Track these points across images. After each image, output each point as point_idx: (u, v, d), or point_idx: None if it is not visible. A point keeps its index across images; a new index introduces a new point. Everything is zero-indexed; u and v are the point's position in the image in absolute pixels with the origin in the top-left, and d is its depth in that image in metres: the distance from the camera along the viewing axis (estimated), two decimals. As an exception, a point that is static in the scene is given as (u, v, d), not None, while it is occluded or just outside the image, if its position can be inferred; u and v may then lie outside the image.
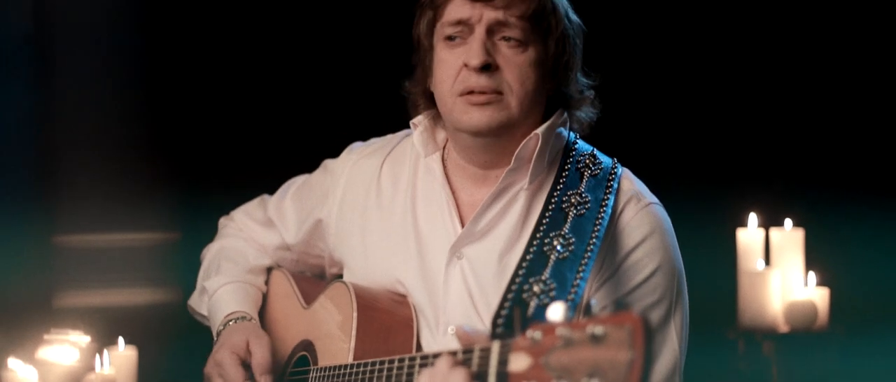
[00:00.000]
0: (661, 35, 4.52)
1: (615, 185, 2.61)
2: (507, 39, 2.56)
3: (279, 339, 2.85)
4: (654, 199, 2.65)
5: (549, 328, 1.90)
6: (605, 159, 2.67)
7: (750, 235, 4.23)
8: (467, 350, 2.12)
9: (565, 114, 2.66)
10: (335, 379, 2.62)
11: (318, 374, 2.69)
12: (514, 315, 2.06)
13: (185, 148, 4.31)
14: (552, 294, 2.26)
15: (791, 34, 4.57)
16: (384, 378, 2.45)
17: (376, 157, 2.82)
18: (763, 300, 4.16)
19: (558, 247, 2.40)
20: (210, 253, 3.00)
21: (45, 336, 3.03)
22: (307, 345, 2.76)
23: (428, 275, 2.66)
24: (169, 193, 4.25)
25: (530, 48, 2.57)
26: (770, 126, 4.59)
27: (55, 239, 4.23)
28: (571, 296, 2.28)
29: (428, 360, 2.35)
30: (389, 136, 2.86)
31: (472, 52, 2.54)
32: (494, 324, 2.11)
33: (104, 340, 3.61)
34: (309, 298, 2.82)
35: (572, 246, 2.41)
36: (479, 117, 2.56)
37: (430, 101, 2.67)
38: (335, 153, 2.92)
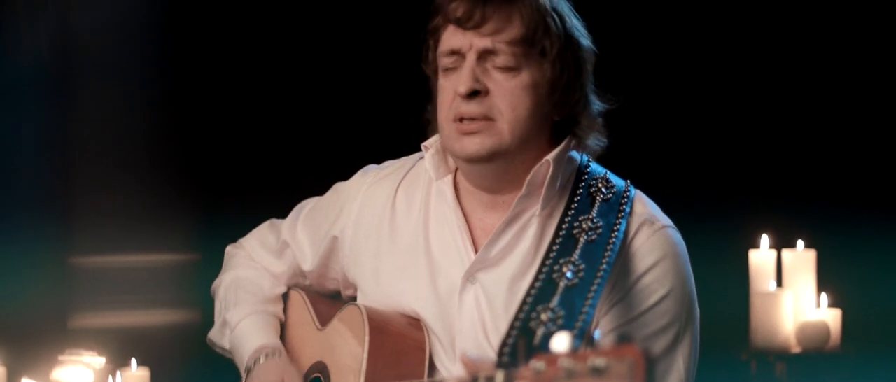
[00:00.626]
0: (672, 56, 4.53)
1: (628, 209, 2.59)
2: (498, 66, 2.55)
3: (295, 360, 2.85)
4: (669, 223, 2.63)
5: (553, 359, 1.90)
6: (617, 182, 2.65)
7: (762, 256, 4.23)
8: (474, 379, 2.12)
9: (577, 139, 2.64)
10: None
11: None
12: (520, 344, 2.06)
13: (199, 169, 4.33)
14: (560, 322, 2.23)
15: (802, 57, 4.57)
16: None
17: (391, 182, 2.80)
18: (775, 320, 4.16)
19: (568, 274, 2.38)
20: (223, 284, 2.96)
21: (60, 357, 3.04)
22: (321, 367, 2.76)
23: (441, 300, 2.65)
24: (184, 215, 4.26)
25: (523, 72, 2.55)
26: (782, 147, 4.59)
27: (70, 259, 4.24)
28: (579, 324, 2.25)
29: None
30: (404, 159, 2.85)
31: (461, 79, 2.54)
32: (500, 353, 2.10)
33: (117, 361, 3.62)
34: (324, 319, 2.82)
35: (582, 273, 2.38)
36: (469, 144, 2.55)
37: None
38: (351, 174, 2.91)
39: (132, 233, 4.25)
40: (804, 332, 4.16)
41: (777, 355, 4.16)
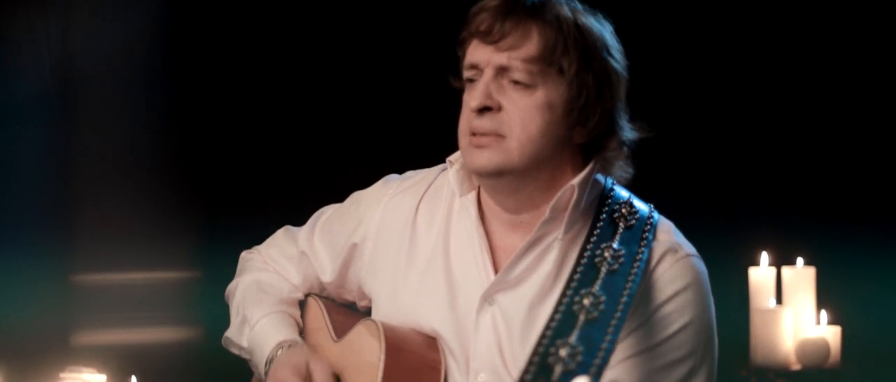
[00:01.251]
0: (673, 74, 4.54)
1: (650, 237, 2.54)
2: (513, 82, 2.52)
3: None
4: (693, 251, 2.60)
5: None
6: (641, 207, 2.61)
7: (761, 273, 4.24)
8: None
9: (602, 164, 2.60)
10: None
11: None
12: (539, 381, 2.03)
13: (201, 187, 4.33)
14: (578, 358, 2.17)
15: (803, 75, 4.58)
16: None
17: (413, 195, 2.76)
18: (775, 338, 4.17)
19: (588, 307, 2.32)
20: (241, 286, 2.93)
21: (61, 374, 3.04)
22: (336, 380, 2.75)
23: (458, 319, 2.63)
24: (186, 232, 4.27)
25: (538, 91, 2.52)
26: (781, 164, 4.60)
27: (72, 277, 4.25)
28: (598, 361, 2.19)
29: None
30: (426, 171, 2.81)
31: (474, 93, 2.53)
32: None
33: (118, 378, 3.62)
34: (339, 330, 2.79)
35: (602, 306, 2.32)
36: (478, 158, 2.53)
37: None
38: (352, 191, 2.90)
39: (134, 251, 4.25)
40: (804, 349, 4.16)
41: (777, 372, 4.16)
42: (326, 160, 4.32)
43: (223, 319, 2.99)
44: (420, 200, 2.75)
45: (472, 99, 2.53)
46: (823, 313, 4.23)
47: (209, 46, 4.34)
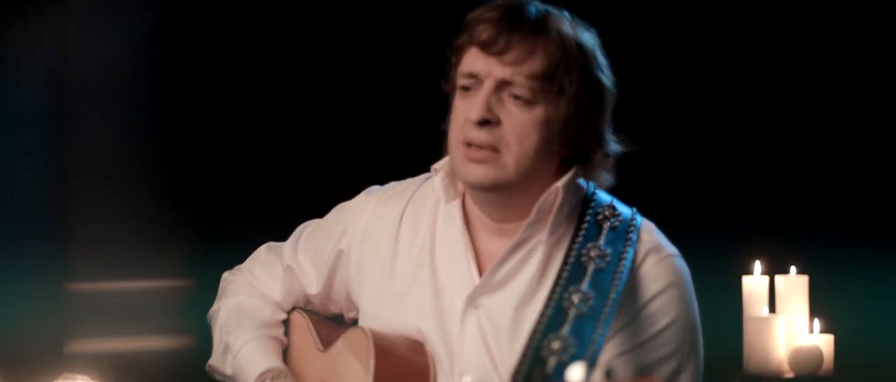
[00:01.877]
0: (663, 83, 4.55)
1: (635, 237, 2.58)
2: (514, 96, 2.53)
3: None
4: (675, 251, 2.64)
5: None
6: (624, 210, 2.65)
7: (755, 282, 4.24)
8: None
9: (583, 170, 2.64)
10: None
11: None
12: (533, 374, 2.06)
13: (196, 196, 4.33)
14: (571, 351, 2.21)
15: (795, 83, 4.59)
16: None
17: (397, 203, 2.79)
18: (768, 346, 4.17)
19: (577, 303, 2.35)
20: (223, 310, 2.93)
21: (56, 382, 3.04)
22: None
23: (444, 324, 2.65)
24: (181, 241, 4.27)
25: (538, 107, 2.54)
26: (775, 173, 4.61)
27: (68, 285, 4.25)
28: (590, 354, 2.23)
29: None
30: (409, 181, 2.83)
31: (475, 106, 2.53)
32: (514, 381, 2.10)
33: (114, 386, 3.62)
34: (327, 342, 2.81)
35: (591, 302, 2.36)
36: (473, 172, 2.55)
37: None
38: (345, 199, 2.90)
39: (128, 259, 4.25)
40: (797, 357, 4.17)
41: (770, 380, 4.17)
42: (319, 169, 4.32)
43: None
44: (404, 208, 2.77)
45: (472, 110, 2.54)
46: (816, 321, 4.24)
47: (204, 56, 4.35)
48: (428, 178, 2.78)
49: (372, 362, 2.60)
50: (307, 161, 4.38)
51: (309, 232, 2.92)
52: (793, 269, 4.26)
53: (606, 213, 2.62)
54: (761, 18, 4.59)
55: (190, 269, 4.27)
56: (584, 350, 2.22)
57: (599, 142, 2.63)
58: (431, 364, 2.65)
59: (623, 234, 2.57)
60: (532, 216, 2.58)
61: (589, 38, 2.61)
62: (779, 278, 4.25)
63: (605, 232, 2.57)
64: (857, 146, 4.57)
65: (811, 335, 4.22)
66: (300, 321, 2.92)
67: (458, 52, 2.61)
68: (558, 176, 2.60)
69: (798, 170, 4.60)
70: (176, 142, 4.34)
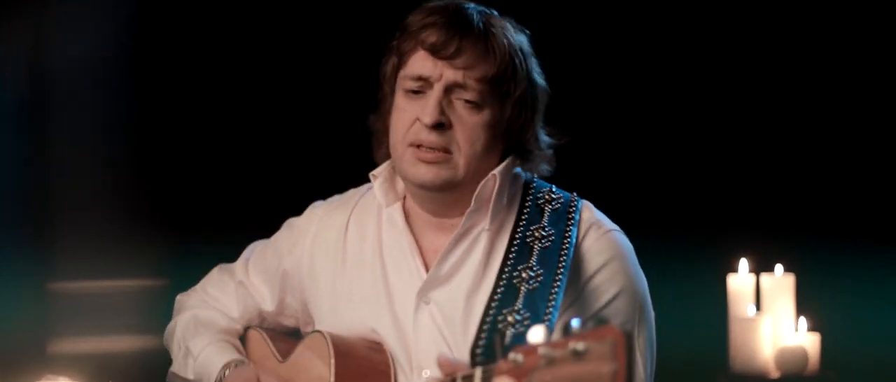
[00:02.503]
0: (648, 82, 4.55)
1: (576, 216, 2.65)
2: (464, 100, 2.59)
3: None
4: (615, 227, 2.69)
5: (531, 349, 1.94)
6: (564, 193, 2.71)
7: (741, 281, 4.24)
8: (452, 380, 2.16)
9: (521, 158, 2.70)
10: None
11: None
12: (495, 341, 2.08)
13: (178, 195, 4.32)
14: (527, 323, 2.32)
15: (780, 81, 4.59)
16: None
17: (342, 212, 2.85)
18: (754, 345, 4.17)
19: (527, 279, 2.45)
20: (179, 324, 2.98)
21: (39, 382, 3.03)
22: None
23: (398, 323, 2.69)
24: (164, 240, 4.26)
25: (485, 110, 2.60)
26: (760, 172, 4.61)
27: (49, 285, 4.23)
28: (546, 324, 2.27)
29: None
30: (351, 191, 2.90)
31: (427, 109, 2.58)
32: (473, 354, 2.16)
33: (97, 385, 3.60)
34: (285, 353, 2.84)
35: (541, 278, 2.46)
36: (424, 173, 2.60)
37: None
38: (319, 198, 2.94)
39: (111, 260, 4.24)
40: (783, 357, 4.17)
41: (756, 380, 4.17)
42: (293, 174, 4.31)
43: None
44: (349, 216, 2.84)
45: (424, 114, 2.59)
46: (802, 320, 4.24)
47: (186, 55, 4.33)
48: (371, 188, 2.82)
49: (332, 362, 2.63)
50: (279, 166, 4.36)
51: (259, 250, 2.98)
52: (779, 268, 4.26)
53: (547, 197, 2.70)
54: (748, 19, 4.59)
55: (171, 268, 4.25)
56: (539, 322, 2.32)
57: (537, 137, 2.70)
58: (391, 361, 2.69)
59: (564, 214, 2.65)
60: (472, 204, 2.64)
61: (526, 41, 2.69)
62: (765, 277, 4.25)
63: (547, 213, 2.65)
64: (843, 145, 4.57)
65: (797, 334, 4.22)
66: (257, 336, 2.95)
67: (402, 55, 2.65)
68: (497, 164, 2.66)
69: (784, 168, 4.60)
70: (159, 143, 4.32)
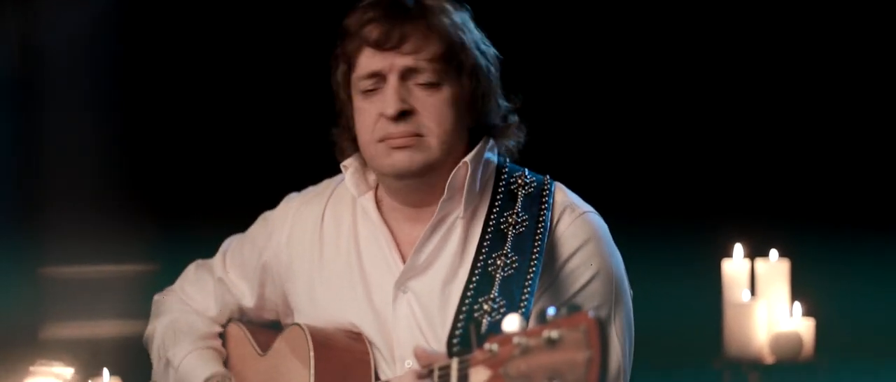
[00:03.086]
0: (643, 68, 4.54)
1: (550, 200, 2.65)
2: (421, 84, 2.60)
3: None
4: (589, 208, 2.69)
5: (506, 339, 1.95)
6: (537, 177, 2.71)
7: (735, 266, 4.24)
8: (429, 371, 2.16)
9: (492, 141, 2.70)
10: None
11: None
12: (470, 331, 2.09)
13: (171, 180, 4.31)
14: (502, 310, 2.33)
15: (774, 67, 4.59)
16: None
17: (317, 204, 2.84)
18: (749, 331, 4.17)
19: (502, 266, 2.47)
20: (158, 330, 2.97)
21: (31, 368, 3.02)
22: None
23: (377, 313, 2.69)
24: (156, 225, 4.25)
25: (444, 87, 2.61)
26: (755, 157, 4.60)
27: (41, 270, 4.23)
28: (521, 311, 2.35)
29: None
30: (326, 182, 2.88)
31: (387, 101, 2.58)
32: (450, 344, 2.16)
33: (89, 371, 3.60)
34: (265, 346, 2.83)
35: (516, 264, 2.48)
36: (400, 159, 2.60)
37: (357, 147, 2.71)
38: (306, 185, 2.93)
39: (103, 245, 4.23)
40: (777, 342, 4.17)
41: (750, 365, 4.17)
42: (280, 159, 4.30)
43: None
44: (325, 207, 2.83)
45: (386, 106, 2.59)
46: (797, 306, 4.24)
47: (176, 43, 4.32)
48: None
49: (311, 355, 2.63)
50: (266, 151, 4.35)
51: (235, 245, 2.96)
52: (774, 253, 4.26)
53: (520, 181, 2.70)
54: (740, 6, 4.58)
55: (163, 254, 4.25)
56: (515, 308, 2.36)
57: (497, 106, 2.70)
58: (370, 351, 2.69)
59: (538, 198, 2.65)
60: (445, 193, 2.63)
61: (467, 15, 2.69)
62: (759, 262, 4.25)
63: (520, 198, 2.65)
64: (838, 131, 4.57)
65: (792, 319, 4.22)
66: (237, 331, 2.94)
67: (349, 58, 2.65)
68: (468, 148, 2.67)
69: (779, 153, 4.60)
70: (152, 128, 4.31)
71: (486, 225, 2.61)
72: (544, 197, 2.65)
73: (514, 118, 2.72)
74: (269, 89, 4.36)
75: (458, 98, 2.62)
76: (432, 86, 2.60)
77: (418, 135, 2.59)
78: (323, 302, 2.75)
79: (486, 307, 2.34)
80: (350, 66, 2.65)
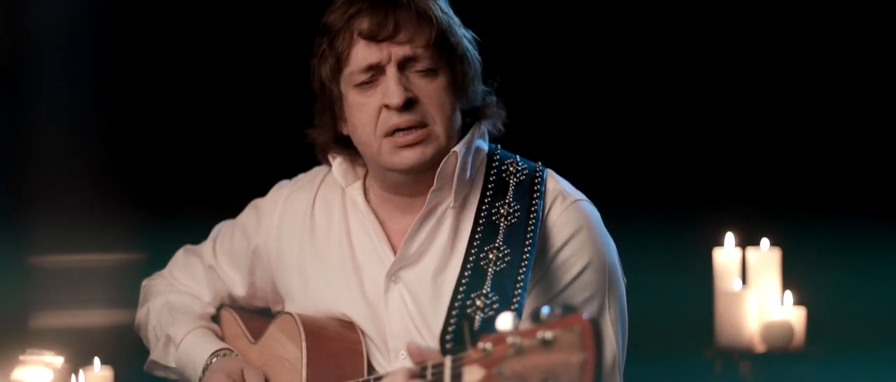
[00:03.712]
0: (635, 56, 4.54)
1: (542, 188, 2.63)
2: (419, 71, 2.58)
3: None
4: (581, 196, 2.67)
5: (500, 338, 1.95)
6: (529, 164, 2.69)
7: (727, 255, 4.24)
8: (423, 368, 2.15)
9: (483, 128, 2.69)
10: None
11: None
12: (463, 328, 2.08)
13: (160, 169, 4.30)
14: (495, 307, 2.31)
15: (765, 55, 4.58)
16: None
17: (307, 192, 2.82)
18: (740, 320, 4.17)
19: (494, 260, 2.45)
20: (152, 312, 2.95)
21: (21, 357, 3.02)
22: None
23: (369, 303, 2.68)
24: (144, 214, 4.24)
25: (441, 73, 2.59)
26: (747, 145, 4.60)
27: (30, 259, 4.22)
28: (514, 307, 2.33)
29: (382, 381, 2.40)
30: (316, 170, 2.86)
31: (390, 92, 2.56)
32: (443, 341, 2.16)
33: (81, 360, 3.59)
34: (256, 334, 2.82)
35: (508, 257, 2.46)
36: (410, 156, 2.58)
37: (342, 146, 2.68)
38: (294, 174, 2.92)
39: (92, 234, 4.22)
40: (769, 331, 4.17)
41: (742, 354, 4.17)
42: (266, 148, 4.29)
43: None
44: (315, 195, 2.81)
45: (390, 97, 2.56)
46: (788, 294, 4.24)
47: (162, 32, 4.30)
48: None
49: (303, 344, 2.62)
50: (253, 140, 4.34)
51: (225, 232, 2.95)
52: (765, 242, 4.26)
53: (511, 169, 2.68)
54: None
55: (153, 242, 4.24)
56: (508, 304, 2.34)
57: (479, 88, 2.69)
58: (363, 340, 2.68)
59: (529, 186, 2.63)
60: (435, 183, 2.61)
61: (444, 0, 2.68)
62: (751, 251, 4.25)
63: (512, 187, 2.64)
64: (829, 119, 4.57)
65: (783, 308, 4.22)
66: (228, 317, 2.93)
67: (339, 54, 2.62)
68: (459, 134, 2.65)
69: (771, 142, 4.59)
70: (139, 117, 4.30)
71: (477, 216, 2.59)
72: (536, 185, 2.63)
73: (493, 98, 2.70)
74: (255, 80, 4.35)
75: (452, 83, 2.61)
76: (430, 72, 2.58)
77: (425, 124, 2.57)
78: (315, 292, 2.74)
79: (478, 302, 2.33)
80: (340, 62, 2.61)
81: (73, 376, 3.41)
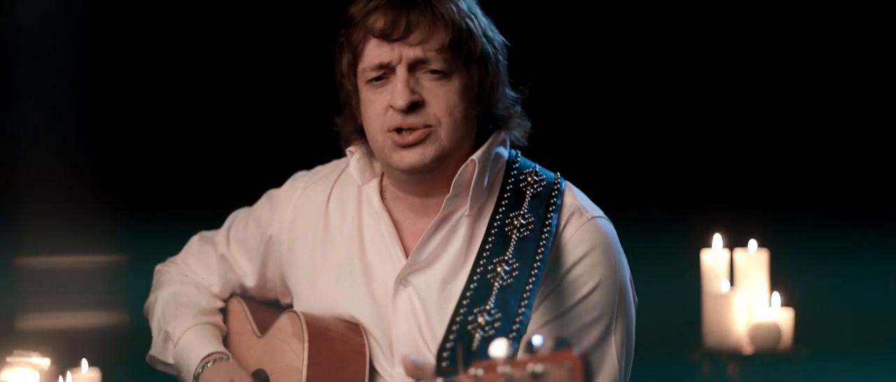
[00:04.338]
0: (624, 56, 4.54)
1: (558, 202, 2.59)
2: (431, 73, 2.55)
3: None
4: (598, 213, 2.63)
5: (492, 365, 1.94)
6: (547, 175, 2.66)
7: (714, 256, 4.25)
8: None
9: (503, 135, 2.65)
10: None
11: None
12: (458, 350, 2.08)
13: (149, 171, 4.30)
14: (497, 324, 2.26)
15: (754, 57, 4.59)
16: None
17: (323, 186, 2.79)
18: (727, 321, 4.18)
19: (502, 274, 2.40)
20: (159, 301, 2.93)
21: (8, 359, 3.01)
22: (263, 376, 2.75)
23: (377, 305, 2.66)
24: (133, 215, 4.24)
25: (454, 77, 2.55)
26: (734, 147, 4.61)
27: (17, 260, 4.21)
28: (516, 326, 2.28)
29: None
30: (334, 163, 2.84)
31: (397, 93, 2.53)
32: (439, 359, 2.12)
33: (68, 362, 3.59)
34: (263, 327, 2.81)
35: (516, 272, 2.41)
36: (410, 156, 2.55)
37: (363, 135, 2.66)
38: (282, 179, 2.89)
39: (79, 235, 4.21)
40: (756, 332, 4.18)
41: (729, 355, 4.18)
42: (253, 150, 4.29)
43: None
44: (331, 190, 2.78)
45: (396, 98, 2.54)
46: (776, 296, 4.24)
47: (152, 30, 4.30)
48: None
49: (306, 345, 2.61)
50: (239, 142, 4.34)
51: (239, 221, 2.92)
52: (752, 243, 4.27)
53: (529, 179, 2.64)
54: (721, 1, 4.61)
55: (139, 244, 4.23)
56: (510, 323, 2.28)
57: (506, 96, 2.65)
58: (367, 343, 2.66)
59: (546, 199, 2.59)
60: (451, 190, 2.58)
61: (473, 1, 2.64)
62: (738, 252, 4.26)
63: (527, 198, 2.59)
64: (817, 121, 4.58)
65: (770, 309, 4.23)
66: (237, 308, 2.92)
67: (354, 48, 2.60)
68: (476, 141, 2.62)
69: (758, 144, 4.60)
70: (128, 119, 4.30)
71: (490, 226, 2.55)
72: (553, 198, 2.59)
73: (518, 107, 2.67)
74: (241, 82, 4.35)
75: (467, 87, 2.57)
76: (442, 75, 2.55)
77: (428, 126, 2.54)
78: (323, 290, 2.72)
79: (480, 320, 2.27)
80: (355, 57, 2.60)
81: (60, 377, 3.41)
